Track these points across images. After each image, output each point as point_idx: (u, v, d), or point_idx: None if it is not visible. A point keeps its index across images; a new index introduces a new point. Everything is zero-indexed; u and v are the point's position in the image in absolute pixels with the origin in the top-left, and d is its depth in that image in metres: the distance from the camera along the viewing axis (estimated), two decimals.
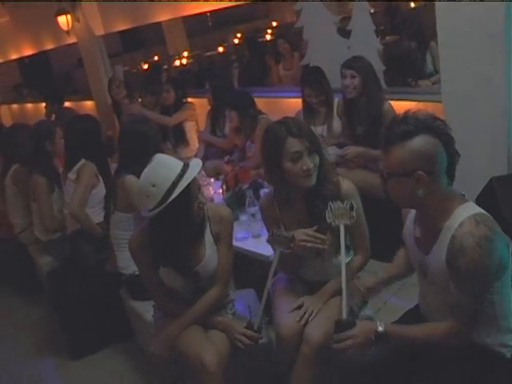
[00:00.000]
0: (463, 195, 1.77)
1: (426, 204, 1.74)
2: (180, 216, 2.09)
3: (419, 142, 1.66)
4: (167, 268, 2.25)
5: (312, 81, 3.87)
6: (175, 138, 4.97)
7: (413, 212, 1.93)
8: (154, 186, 2.02)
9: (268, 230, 2.45)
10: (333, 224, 2.08)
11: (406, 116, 1.71)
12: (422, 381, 1.80)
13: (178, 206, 2.04)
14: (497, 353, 1.79)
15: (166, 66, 8.64)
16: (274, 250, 2.24)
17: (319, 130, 3.90)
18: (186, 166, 2.09)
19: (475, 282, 1.64)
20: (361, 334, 1.82)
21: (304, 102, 3.97)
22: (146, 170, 2.07)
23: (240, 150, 4.30)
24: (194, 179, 2.10)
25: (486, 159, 3.01)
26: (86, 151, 3.41)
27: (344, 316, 1.91)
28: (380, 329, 1.80)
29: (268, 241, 2.25)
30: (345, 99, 3.69)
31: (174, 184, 2.02)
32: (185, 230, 2.17)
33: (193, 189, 2.09)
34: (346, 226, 2.17)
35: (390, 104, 3.54)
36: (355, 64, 3.52)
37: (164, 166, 2.07)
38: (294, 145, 2.13)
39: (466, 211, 1.69)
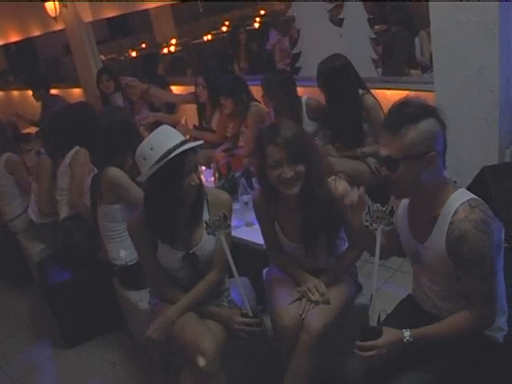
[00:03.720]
0: (455, 182, 1.81)
1: (425, 190, 1.76)
2: (169, 185, 2.13)
3: (428, 123, 1.70)
4: (165, 245, 2.27)
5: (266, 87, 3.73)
6: None
7: (404, 200, 1.94)
8: (151, 149, 2.12)
9: (261, 225, 2.46)
10: (370, 227, 1.83)
11: (408, 101, 1.74)
12: (416, 366, 1.81)
13: (169, 174, 2.10)
14: (490, 337, 1.82)
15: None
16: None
17: None
18: (185, 141, 2.17)
19: (482, 264, 1.67)
20: (386, 345, 1.76)
21: None
22: (149, 135, 2.19)
23: (232, 138, 4.29)
24: (191, 156, 2.15)
25: (477, 148, 3.04)
26: (80, 138, 3.39)
27: (371, 323, 1.84)
28: (407, 338, 1.76)
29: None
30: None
31: (170, 151, 2.09)
32: (175, 203, 2.20)
33: (187, 163, 2.13)
34: (342, 217, 2.20)
35: (372, 100, 3.49)
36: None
37: (165, 135, 2.17)
38: (272, 153, 2.14)
39: (460, 197, 1.73)
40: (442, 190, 1.77)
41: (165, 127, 2.24)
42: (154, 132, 2.20)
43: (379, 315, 1.89)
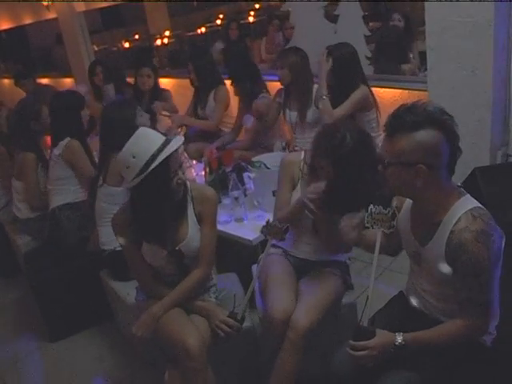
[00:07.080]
0: (459, 186, 1.78)
1: (424, 196, 1.74)
2: (158, 189, 2.11)
3: (425, 134, 1.64)
4: (150, 244, 2.24)
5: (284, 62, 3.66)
6: None
7: (408, 199, 1.91)
8: (134, 157, 2.04)
9: (279, 185, 2.43)
10: (371, 229, 1.88)
11: (416, 106, 1.68)
12: (403, 366, 1.81)
13: (156, 179, 2.07)
14: (478, 340, 1.82)
15: None
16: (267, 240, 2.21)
17: (293, 115, 3.75)
18: (167, 141, 2.12)
19: (480, 275, 1.66)
20: (378, 347, 1.76)
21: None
22: (128, 141, 2.09)
23: (233, 130, 4.30)
24: (175, 155, 2.11)
25: (469, 149, 3.02)
26: (70, 127, 3.34)
27: (365, 323, 1.82)
28: (399, 341, 1.75)
29: (262, 232, 2.22)
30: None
31: (154, 156, 2.04)
32: (164, 205, 2.17)
33: (172, 164, 2.10)
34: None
35: (365, 92, 3.42)
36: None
37: (145, 139, 2.10)
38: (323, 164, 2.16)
39: (463, 206, 1.71)
40: (444, 198, 1.73)
41: (143, 130, 2.15)
42: (134, 137, 2.10)
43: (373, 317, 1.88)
